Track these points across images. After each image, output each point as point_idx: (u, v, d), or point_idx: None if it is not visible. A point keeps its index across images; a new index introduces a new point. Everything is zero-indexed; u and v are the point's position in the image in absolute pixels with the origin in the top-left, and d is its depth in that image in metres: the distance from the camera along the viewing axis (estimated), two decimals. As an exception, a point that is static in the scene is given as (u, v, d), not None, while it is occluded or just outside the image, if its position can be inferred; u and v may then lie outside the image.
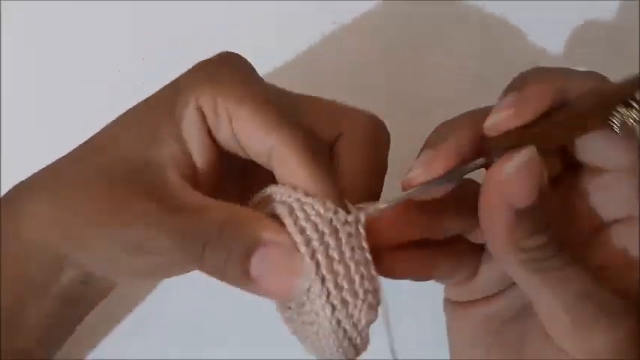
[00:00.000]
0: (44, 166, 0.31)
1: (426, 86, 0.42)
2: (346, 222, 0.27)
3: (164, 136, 0.29)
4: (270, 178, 0.29)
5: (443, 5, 0.43)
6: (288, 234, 0.27)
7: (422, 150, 0.28)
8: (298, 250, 0.26)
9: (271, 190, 0.28)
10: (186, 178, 0.29)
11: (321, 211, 0.27)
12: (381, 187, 0.31)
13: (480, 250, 0.31)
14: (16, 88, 0.42)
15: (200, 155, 0.29)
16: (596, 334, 0.26)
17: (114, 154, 0.29)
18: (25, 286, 0.29)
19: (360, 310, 0.27)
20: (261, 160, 0.29)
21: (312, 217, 0.26)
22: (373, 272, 0.27)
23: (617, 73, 0.28)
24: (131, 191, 0.28)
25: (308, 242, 0.26)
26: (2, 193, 0.30)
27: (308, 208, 0.27)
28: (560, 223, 0.27)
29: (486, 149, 0.27)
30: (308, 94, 0.32)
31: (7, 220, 0.29)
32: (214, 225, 0.27)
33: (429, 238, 0.30)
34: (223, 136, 0.29)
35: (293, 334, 0.29)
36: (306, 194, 0.27)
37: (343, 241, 0.26)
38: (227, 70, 0.29)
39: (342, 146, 0.30)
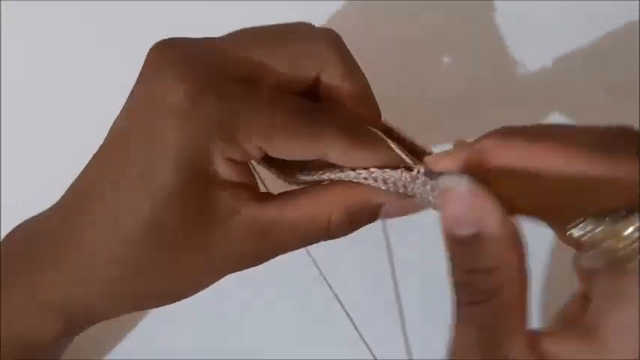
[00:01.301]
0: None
1: (425, 86, 0.42)
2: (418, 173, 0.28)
3: (207, 200, 0.27)
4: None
5: (443, 5, 0.43)
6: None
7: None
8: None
9: (339, 175, 0.29)
10: (255, 200, 0.28)
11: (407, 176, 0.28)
12: (373, 94, 0.30)
13: None
14: (16, 88, 0.42)
15: (245, 178, 0.28)
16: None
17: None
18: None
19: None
20: (311, 158, 0.28)
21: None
22: None
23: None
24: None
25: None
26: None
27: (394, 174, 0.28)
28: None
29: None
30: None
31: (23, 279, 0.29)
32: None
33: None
34: (254, 156, 0.27)
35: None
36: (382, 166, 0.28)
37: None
38: (219, 100, 0.26)
39: (328, 85, 0.29)
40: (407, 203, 0.28)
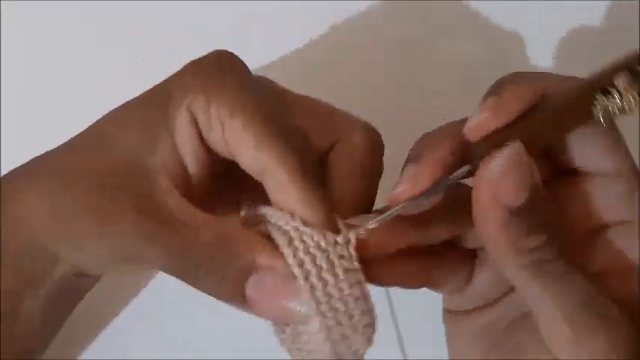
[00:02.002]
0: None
1: (425, 87, 0.42)
2: (336, 243, 0.27)
3: (157, 139, 0.29)
4: (254, 182, 0.29)
5: (443, 5, 0.43)
6: (285, 262, 0.27)
7: (405, 165, 0.28)
8: (293, 275, 0.26)
9: (265, 210, 0.28)
10: (177, 184, 0.28)
11: (322, 243, 0.26)
12: (375, 195, 0.31)
13: (472, 256, 0.31)
14: (16, 88, 0.42)
15: (192, 159, 0.29)
16: (594, 342, 0.26)
17: (108, 155, 0.29)
18: (19, 281, 0.29)
19: (359, 341, 0.27)
20: (251, 172, 0.28)
21: (311, 249, 0.26)
22: (367, 292, 0.27)
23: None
24: (123, 198, 0.28)
25: (302, 266, 0.26)
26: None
27: (307, 239, 0.27)
28: (554, 229, 0.27)
29: (471, 156, 0.27)
30: (305, 95, 0.31)
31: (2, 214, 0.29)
32: (207, 246, 0.27)
33: (421, 245, 0.29)
34: (214, 141, 0.29)
35: (288, 353, 0.29)
36: (304, 222, 0.27)
37: (336, 263, 0.26)
38: (221, 74, 0.29)
39: (338, 154, 0.30)
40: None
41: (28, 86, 0.42)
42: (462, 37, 0.43)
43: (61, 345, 0.34)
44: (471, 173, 0.27)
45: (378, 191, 0.31)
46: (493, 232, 0.26)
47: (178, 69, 0.30)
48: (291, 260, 0.26)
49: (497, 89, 0.27)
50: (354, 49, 0.42)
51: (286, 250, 0.26)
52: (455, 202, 0.28)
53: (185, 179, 0.29)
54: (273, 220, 0.27)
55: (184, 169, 0.29)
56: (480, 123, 0.27)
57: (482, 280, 0.31)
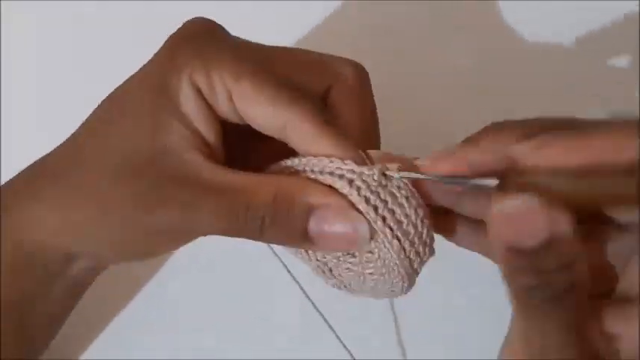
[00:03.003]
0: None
1: (425, 87, 0.42)
2: (390, 177, 0.28)
3: (166, 119, 0.29)
4: (272, 143, 0.29)
5: (443, 6, 0.43)
6: (339, 197, 0.28)
7: (461, 143, 0.28)
8: (356, 209, 0.28)
9: (297, 161, 0.29)
10: (204, 155, 0.29)
11: (382, 180, 0.28)
12: (379, 133, 0.32)
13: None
14: (16, 88, 0.42)
15: (208, 130, 0.29)
16: None
17: (117, 145, 0.29)
18: (32, 284, 0.30)
19: (425, 251, 0.29)
20: (270, 132, 0.29)
21: (372, 187, 0.28)
22: (427, 212, 0.29)
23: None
24: (162, 179, 0.28)
25: (368, 202, 0.28)
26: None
27: (367, 178, 0.28)
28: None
29: (505, 175, 0.26)
30: (287, 47, 0.32)
31: (10, 222, 0.29)
32: (267, 201, 0.28)
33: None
34: (223, 109, 0.29)
35: (343, 288, 0.31)
36: (350, 163, 0.28)
37: (397, 194, 0.28)
38: (211, 41, 0.29)
39: (335, 98, 0.31)
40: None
41: (28, 86, 0.42)
42: (457, 36, 0.43)
43: (61, 344, 0.34)
44: (498, 187, 0.27)
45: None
46: (496, 254, 0.26)
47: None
48: (355, 198, 0.28)
49: (472, 140, 0.27)
50: (354, 50, 0.43)
51: (349, 190, 0.28)
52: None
53: (209, 150, 0.29)
54: (315, 168, 0.28)
55: (205, 140, 0.29)
56: (432, 161, 0.28)
57: None
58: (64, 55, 0.43)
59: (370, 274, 0.30)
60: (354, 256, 0.30)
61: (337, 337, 0.35)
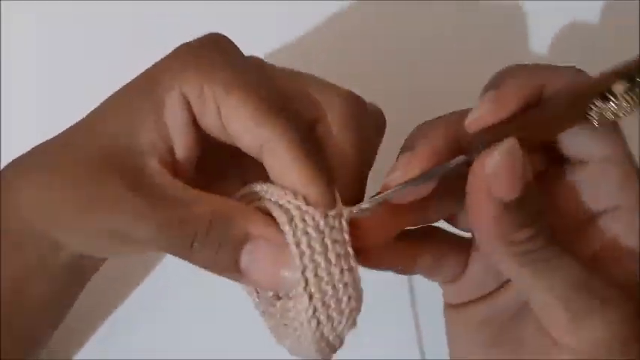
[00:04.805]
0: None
1: (425, 85, 0.42)
2: (333, 227, 0.27)
3: (144, 122, 0.29)
4: (254, 165, 0.29)
5: (443, 5, 0.43)
6: (278, 231, 0.27)
7: (400, 153, 0.29)
8: (287, 244, 0.27)
9: (264, 187, 0.28)
10: (167, 165, 0.29)
11: (321, 223, 0.27)
12: (371, 164, 0.31)
13: (466, 244, 0.31)
14: (17, 88, 0.42)
15: (181, 142, 0.29)
16: (592, 323, 0.26)
17: (96, 141, 0.29)
18: (23, 268, 0.30)
19: (341, 319, 0.27)
20: (250, 151, 0.29)
21: (309, 230, 0.27)
22: (357, 278, 0.27)
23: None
24: (115, 179, 0.28)
25: (298, 245, 0.27)
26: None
27: (308, 219, 0.27)
28: (548, 217, 0.27)
29: (467, 148, 0.27)
30: (284, 67, 0.31)
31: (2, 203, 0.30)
32: (203, 219, 0.27)
33: (416, 224, 0.30)
34: (210, 123, 0.29)
35: (270, 330, 0.29)
36: (305, 200, 0.27)
37: (329, 247, 0.27)
38: (214, 55, 0.29)
39: (320, 130, 0.30)
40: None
41: (28, 86, 0.42)
42: (459, 33, 0.43)
43: (59, 343, 0.34)
44: (466, 164, 0.27)
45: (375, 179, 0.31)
46: (485, 225, 0.27)
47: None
48: (290, 238, 0.26)
49: (497, 82, 0.28)
50: (354, 50, 0.43)
51: (286, 228, 0.26)
52: (450, 182, 0.28)
53: (172, 162, 0.29)
54: (272, 198, 0.27)
55: (172, 151, 0.29)
56: (479, 116, 0.27)
57: (477, 270, 0.31)
58: (64, 54, 0.43)
59: (285, 325, 0.28)
60: (279, 299, 0.28)
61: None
